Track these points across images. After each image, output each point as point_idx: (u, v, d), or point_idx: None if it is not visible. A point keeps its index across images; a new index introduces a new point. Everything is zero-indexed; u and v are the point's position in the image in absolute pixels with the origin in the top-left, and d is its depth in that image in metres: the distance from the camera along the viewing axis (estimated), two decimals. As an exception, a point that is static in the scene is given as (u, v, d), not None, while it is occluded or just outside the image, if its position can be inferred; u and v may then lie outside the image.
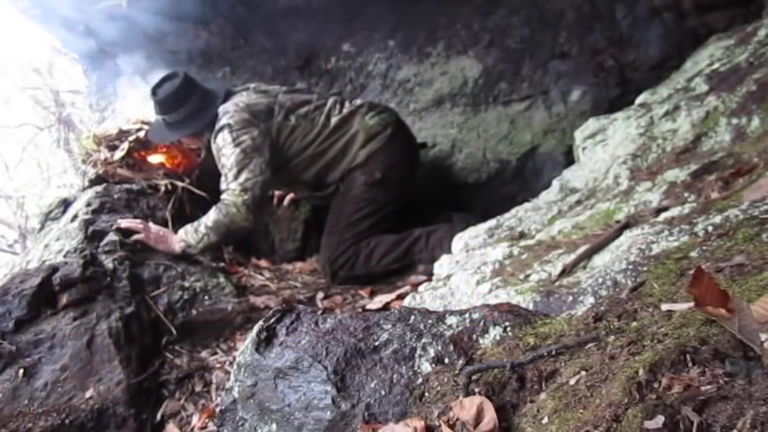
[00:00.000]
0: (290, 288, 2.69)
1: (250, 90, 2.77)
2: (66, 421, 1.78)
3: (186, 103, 2.65)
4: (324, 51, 3.42)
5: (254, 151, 2.54)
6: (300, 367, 1.06)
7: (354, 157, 2.74)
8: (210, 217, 2.45)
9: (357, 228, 2.70)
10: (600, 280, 1.23)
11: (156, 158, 2.92)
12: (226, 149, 2.53)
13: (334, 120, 2.74)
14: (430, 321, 1.08)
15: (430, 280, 1.95)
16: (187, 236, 2.44)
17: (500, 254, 1.69)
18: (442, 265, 1.89)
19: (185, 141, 2.86)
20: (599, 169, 2.05)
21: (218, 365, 2.09)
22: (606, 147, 2.13)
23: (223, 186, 2.53)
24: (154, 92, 2.67)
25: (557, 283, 1.36)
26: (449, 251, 2.05)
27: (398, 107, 3.25)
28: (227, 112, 2.59)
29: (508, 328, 1.03)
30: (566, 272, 1.40)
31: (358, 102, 2.88)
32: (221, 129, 2.56)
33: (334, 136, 2.74)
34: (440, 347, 1.02)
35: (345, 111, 2.77)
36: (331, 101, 2.81)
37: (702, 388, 0.67)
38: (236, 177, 2.49)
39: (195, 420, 1.88)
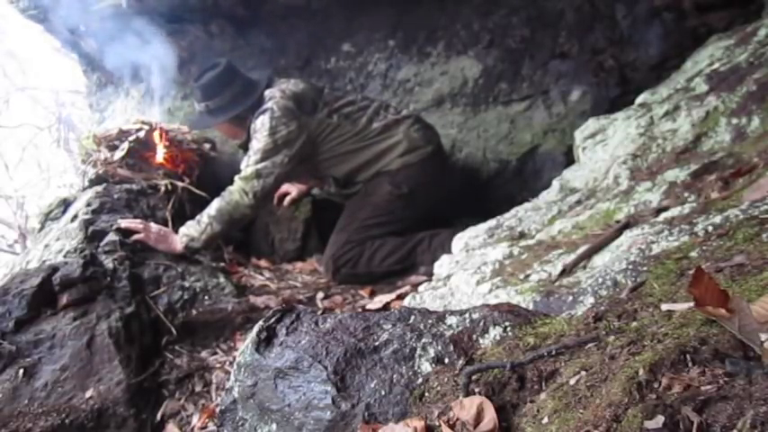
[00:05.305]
0: (290, 288, 2.69)
1: (297, 80, 2.79)
2: (67, 421, 1.78)
3: (229, 89, 2.68)
4: (324, 51, 3.42)
5: (285, 144, 2.57)
6: (300, 367, 1.06)
7: (389, 163, 2.75)
8: (213, 206, 2.50)
9: (367, 232, 2.71)
10: (600, 280, 1.23)
11: (156, 158, 2.92)
12: (260, 134, 2.57)
13: (376, 124, 2.76)
14: (430, 321, 1.08)
15: (430, 280, 1.95)
16: (189, 230, 2.46)
17: (500, 254, 1.69)
18: (442, 265, 1.89)
19: (227, 131, 2.86)
20: (599, 169, 2.05)
21: (218, 365, 2.09)
22: (606, 147, 2.12)
23: (243, 165, 2.57)
24: (196, 80, 2.71)
25: (557, 283, 1.36)
26: (450, 252, 2.04)
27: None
28: (273, 97, 2.63)
29: (508, 328, 1.03)
30: (566, 272, 1.40)
31: (405, 112, 2.90)
32: (264, 111, 2.60)
33: (375, 139, 2.75)
34: (440, 347, 1.02)
35: (390, 117, 2.79)
36: (375, 105, 2.83)
37: (702, 388, 0.67)
38: (257, 162, 2.54)
39: (195, 420, 1.88)
